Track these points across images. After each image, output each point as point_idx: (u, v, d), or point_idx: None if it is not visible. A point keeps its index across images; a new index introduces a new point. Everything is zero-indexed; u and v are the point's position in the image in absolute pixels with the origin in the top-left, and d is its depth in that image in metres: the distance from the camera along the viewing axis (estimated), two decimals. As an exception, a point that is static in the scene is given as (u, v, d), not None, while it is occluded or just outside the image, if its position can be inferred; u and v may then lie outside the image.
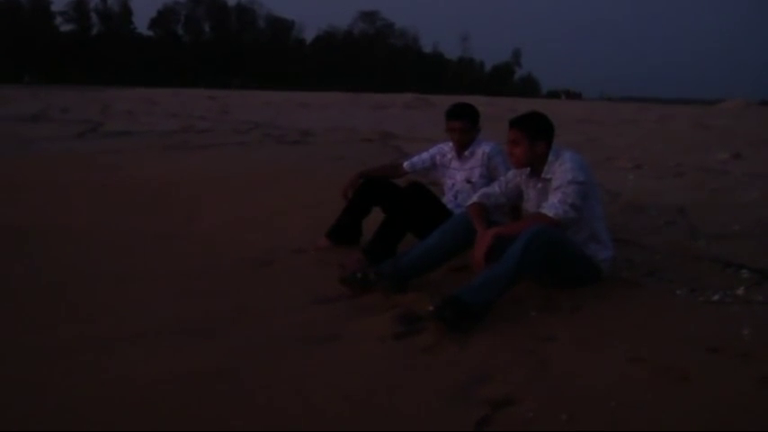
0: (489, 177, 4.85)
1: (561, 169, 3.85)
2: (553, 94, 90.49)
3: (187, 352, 3.17)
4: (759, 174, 8.85)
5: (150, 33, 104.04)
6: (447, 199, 5.00)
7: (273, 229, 5.72)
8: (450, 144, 5.03)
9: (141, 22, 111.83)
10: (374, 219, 4.82)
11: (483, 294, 3.45)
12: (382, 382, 2.87)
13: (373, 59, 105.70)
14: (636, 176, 8.76)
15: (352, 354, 3.16)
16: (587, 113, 25.01)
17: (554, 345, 3.22)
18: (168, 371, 2.94)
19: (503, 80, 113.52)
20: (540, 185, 4.02)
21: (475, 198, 4.23)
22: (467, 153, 4.95)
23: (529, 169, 4.06)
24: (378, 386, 2.82)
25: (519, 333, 3.36)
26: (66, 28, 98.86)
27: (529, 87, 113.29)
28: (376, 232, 4.58)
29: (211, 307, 3.81)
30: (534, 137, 3.93)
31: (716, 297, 3.80)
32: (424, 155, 5.20)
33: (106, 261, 4.78)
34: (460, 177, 4.98)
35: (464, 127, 4.89)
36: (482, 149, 4.91)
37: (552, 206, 3.78)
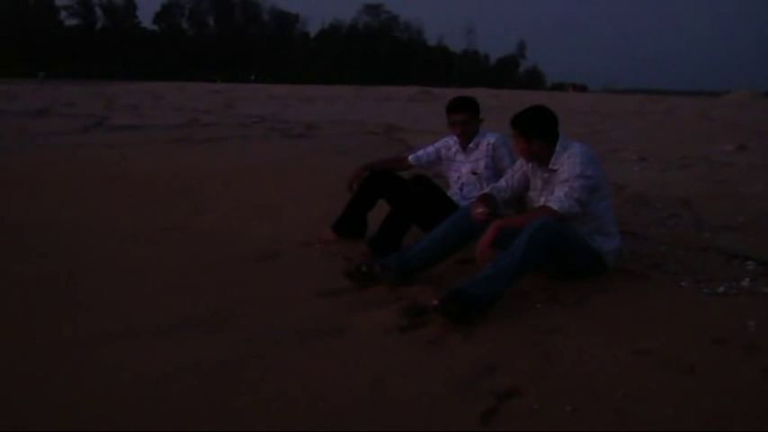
0: (494, 168, 4.86)
1: (569, 162, 3.84)
2: (558, 87, 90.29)
3: (193, 345, 3.19)
4: (764, 165, 8.81)
5: (155, 27, 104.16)
6: (452, 191, 5.00)
7: (279, 222, 5.73)
8: (455, 138, 5.02)
9: (146, 16, 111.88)
10: (379, 211, 4.82)
11: (488, 287, 3.46)
12: (387, 374, 2.88)
13: (378, 53, 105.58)
14: (641, 168, 8.74)
15: (358, 346, 3.17)
16: (592, 105, 24.93)
17: (559, 337, 3.23)
18: (174, 364, 2.96)
19: (508, 73, 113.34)
20: (546, 175, 4.02)
21: (487, 189, 4.27)
22: (471, 145, 4.94)
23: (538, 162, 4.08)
24: (383, 378, 2.84)
25: (524, 325, 3.37)
26: (70, 22, 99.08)
27: (534, 80, 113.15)
28: (381, 225, 4.59)
29: (217, 300, 3.82)
30: (528, 135, 3.95)
31: (721, 289, 3.81)
32: (429, 148, 5.20)
33: (111, 255, 4.79)
34: (466, 170, 4.98)
35: (466, 119, 4.89)
36: (487, 140, 4.90)
37: (558, 200, 3.78)
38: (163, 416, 2.55)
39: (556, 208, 3.76)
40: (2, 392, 2.76)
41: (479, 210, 3.93)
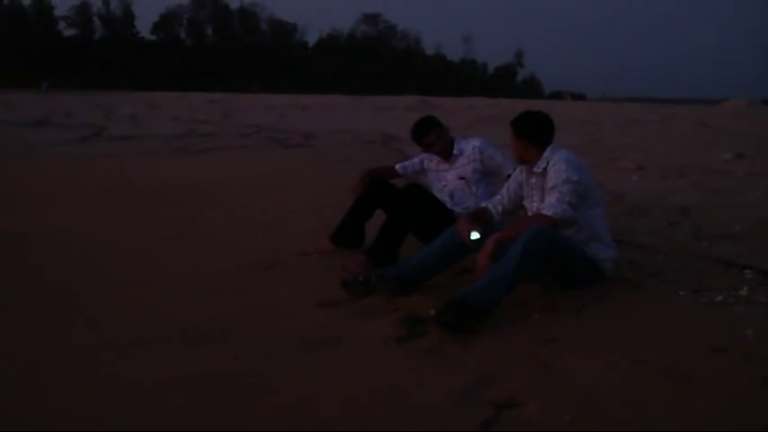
0: (484, 171, 4.91)
1: (555, 169, 3.89)
2: (556, 95, 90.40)
3: (191, 355, 3.18)
4: (762, 173, 8.84)
5: (153, 37, 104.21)
6: (442, 200, 5.02)
7: (277, 232, 5.73)
8: None
9: (144, 26, 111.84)
10: (377, 221, 4.81)
11: (485, 296, 3.46)
12: (385, 384, 2.87)
13: (376, 62, 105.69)
14: (639, 177, 8.76)
15: (356, 357, 3.16)
16: (590, 114, 24.98)
17: (557, 346, 3.23)
18: (172, 374, 2.95)
19: (505, 81, 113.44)
20: (533, 180, 4.09)
21: (484, 203, 4.33)
22: (455, 152, 5.00)
23: (527, 167, 4.13)
24: (381, 389, 2.83)
25: (522, 335, 3.36)
26: (69, 33, 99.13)
27: (531, 88, 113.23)
28: (377, 235, 4.59)
29: (215, 310, 3.82)
30: (518, 134, 4.08)
31: (719, 298, 3.80)
32: (415, 159, 5.30)
33: (110, 265, 4.79)
34: (452, 176, 5.01)
35: (436, 136, 4.99)
36: (471, 145, 4.97)
37: (550, 206, 3.80)
38: (159, 424, 2.55)
39: (550, 213, 3.78)
40: (6, 398, 2.77)
41: (470, 231, 3.94)
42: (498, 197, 4.32)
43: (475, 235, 3.89)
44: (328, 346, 3.28)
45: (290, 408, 2.68)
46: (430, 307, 3.52)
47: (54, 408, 2.68)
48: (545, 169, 3.97)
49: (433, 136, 4.98)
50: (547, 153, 4.01)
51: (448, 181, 5.04)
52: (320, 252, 5.02)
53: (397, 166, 5.29)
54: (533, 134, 4.05)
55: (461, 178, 4.97)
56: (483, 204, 4.35)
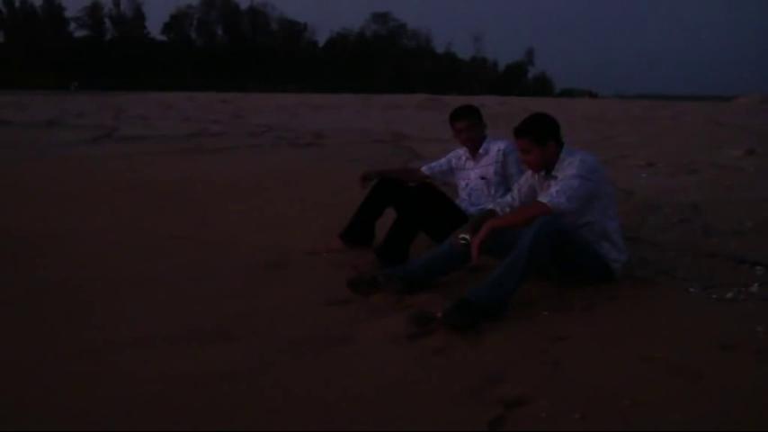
0: (503, 174, 4.89)
1: (570, 166, 3.84)
2: (567, 93, 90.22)
3: (201, 354, 3.19)
4: (773, 170, 8.80)
5: (163, 38, 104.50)
6: (461, 199, 5.03)
7: (287, 231, 5.73)
8: (465, 148, 5.07)
9: (154, 26, 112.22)
10: (388, 219, 4.82)
11: (494, 291, 3.46)
12: (395, 382, 2.87)
13: (386, 61, 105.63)
14: (649, 174, 8.74)
15: (366, 355, 3.17)
16: (601, 112, 24.92)
17: (567, 344, 3.22)
18: (181, 373, 2.96)
19: (516, 80, 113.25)
20: (551, 182, 4.02)
21: (491, 206, 4.28)
22: (481, 151, 4.99)
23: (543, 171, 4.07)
24: (390, 387, 2.83)
25: (532, 333, 3.36)
26: (80, 34, 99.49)
27: (542, 87, 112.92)
28: (387, 233, 4.58)
29: (225, 309, 3.83)
30: (542, 140, 3.91)
31: (730, 294, 3.79)
32: (442, 160, 5.27)
33: (121, 264, 4.81)
34: (474, 175, 5.01)
35: (469, 125, 4.94)
36: (497, 146, 4.94)
37: (548, 195, 3.77)
38: (169, 423, 2.55)
39: (545, 201, 3.75)
40: (15, 398, 2.78)
41: (461, 236, 3.89)
42: (508, 198, 4.26)
43: (464, 237, 3.85)
44: (337, 344, 3.28)
45: (298, 405, 2.69)
46: (440, 305, 3.53)
47: (62, 407, 2.69)
48: (563, 170, 3.94)
49: (464, 123, 4.95)
50: (563, 155, 3.94)
51: (470, 179, 5.05)
52: (330, 250, 5.02)
53: (423, 168, 5.30)
54: (553, 132, 3.93)
55: (482, 178, 4.97)
56: (490, 206, 4.31)
